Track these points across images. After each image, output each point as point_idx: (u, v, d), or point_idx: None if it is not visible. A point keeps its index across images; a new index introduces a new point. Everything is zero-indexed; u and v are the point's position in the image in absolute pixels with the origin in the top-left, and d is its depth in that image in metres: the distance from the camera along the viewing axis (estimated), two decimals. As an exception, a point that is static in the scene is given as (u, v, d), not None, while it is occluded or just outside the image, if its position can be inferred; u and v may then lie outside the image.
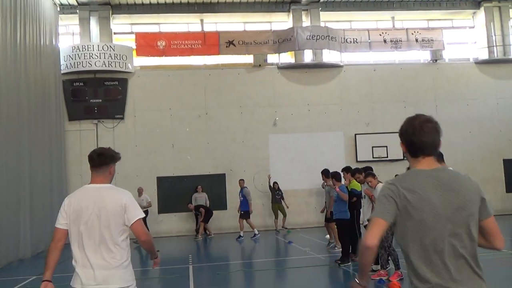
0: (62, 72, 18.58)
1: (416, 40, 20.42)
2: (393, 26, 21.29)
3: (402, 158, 19.86)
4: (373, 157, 19.66)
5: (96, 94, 18.87)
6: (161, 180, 18.95)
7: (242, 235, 16.26)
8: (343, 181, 11.00)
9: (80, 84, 18.88)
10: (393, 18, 21.45)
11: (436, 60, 20.81)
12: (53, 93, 17.04)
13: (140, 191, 16.90)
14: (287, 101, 19.78)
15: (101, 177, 4.04)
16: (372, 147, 19.71)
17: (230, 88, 19.62)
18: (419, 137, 2.81)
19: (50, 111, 16.48)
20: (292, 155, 19.41)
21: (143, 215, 4.07)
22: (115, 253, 3.85)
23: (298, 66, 20.05)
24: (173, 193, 18.73)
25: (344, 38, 19.95)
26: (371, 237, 2.65)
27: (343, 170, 11.21)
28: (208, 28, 20.40)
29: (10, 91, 13.02)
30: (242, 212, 16.57)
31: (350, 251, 9.91)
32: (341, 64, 20.28)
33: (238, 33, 19.80)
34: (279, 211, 18.03)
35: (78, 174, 18.57)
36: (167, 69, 19.67)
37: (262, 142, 19.39)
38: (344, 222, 10.26)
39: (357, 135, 19.76)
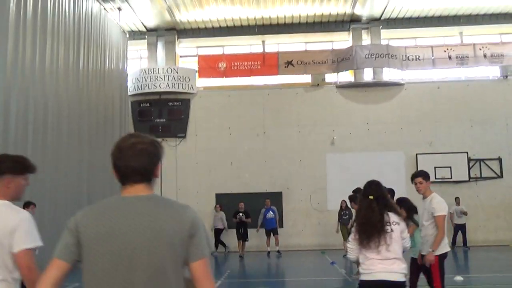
0: (130, 93, 19.93)
1: (485, 56, 19.47)
2: (461, 41, 20.44)
3: (467, 179, 19.00)
4: (435, 178, 18.84)
5: (161, 114, 19.97)
6: (219, 197, 19.51)
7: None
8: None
9: (146, 104, 20.09)
10: (461, 33, 20.62)
11: (506, 76, 19.69)
12: (118, 113, 18.26)
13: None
14: (346, 120, 19.65)
15: None
16: (435, 167, 18.90)
17: (288, 107, 19.88)
18: (124, 161, 2.30)
19: (113, 130, 17.66)
20: (349, 174, 19.08)
21: (34, 245, 3.24)
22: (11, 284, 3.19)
23: (357, 85, 19.89)
24: (231, 209, 19.16)
25: (405, 56, 19.53)
26: (41, 283, 2.20)
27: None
28: (270, 49, 20.86)
29: (71, 111, 14.22)
30: (273, 229, 17.41)
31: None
32: (402, 82, 19.82)
33: (296, 53, 20.08)
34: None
35: (143, 189, 19.69)
36: (227, 90, 20.36)
37: (320, 161, 19.37)
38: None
39: (418, 155, 19.13)
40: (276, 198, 19.26)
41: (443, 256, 6.39)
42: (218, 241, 18.27)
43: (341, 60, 19.54)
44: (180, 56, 21.08)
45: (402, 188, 19.05)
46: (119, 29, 19.03)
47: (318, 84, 20.03)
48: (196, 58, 20.61)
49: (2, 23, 10.93)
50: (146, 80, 19.82)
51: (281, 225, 19.02)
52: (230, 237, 18.40)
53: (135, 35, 20.73)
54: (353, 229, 4.77)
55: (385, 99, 19.74)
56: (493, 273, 12.20)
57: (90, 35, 15.95)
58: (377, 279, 4.43)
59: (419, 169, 18.64)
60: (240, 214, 17.39)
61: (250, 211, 17.98)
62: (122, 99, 19.02)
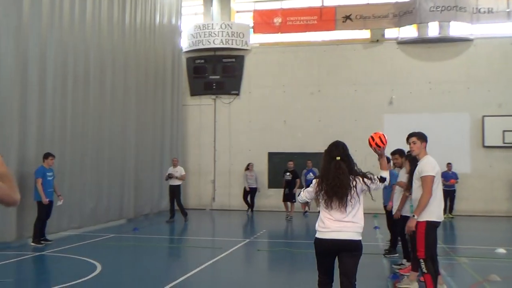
0: (185, 50, 19.91)
1: None
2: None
3: (539, 144, 17.38)
4: (503, 143, 17.50)
5: (215, 70, 19.82)
6: (271, 156, 19.28)
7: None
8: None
9: (201, 61, 20.00)
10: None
11: None
12: (170, 69, 18.33)
13: (175, 163, 15.56)
14: (406, 78, 18.47)
15: None
16: (504, 131, 17.48)
17: (345, 65, 18.99)
18: None
19: (165, 85, 17.78)
20: (408, 136, 18.13)
21: None
22: None
23: (420, 41, 18.52)
24: (283, 169, 18.85)
25: (476, 8, 17.81)
26: None
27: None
28: (328, 2, 19.88)
29: (116, 64, 14.39)
30: None
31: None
32: (471, 37, 18.19)
33: (355, 7, 18.96)
34: None
35: (197, 146, 19.92)
36: (282, 46, 19.75)
37: (376, 122, 18.33)
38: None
39: (485, 117, 17.65)
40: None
41: (431, 224, 5.74)
42: (250, 200, 18.29)
43: (403, 13, 18.20)
44: (236, 12, 20.65)
45: (465, 153, 17.95)
46: (172, -16, 18.88)
47: (377, 40, 18.88)
48: (252, 14, 20.09)
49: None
50: (200, 36, 19.65)
51: (333, 187, 18.49)
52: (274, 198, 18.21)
53: (190, -11, 20.54)
54: (314, 181, 4.75)
55: (451, 56, 18.27)
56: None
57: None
58: (332, 238, 4.45)
59: (483, 133, 17.44)
60: (287, 173, 16.62)
61: (302, 170, 17.52)
62: (175, 55, 19.05)
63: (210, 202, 19.69)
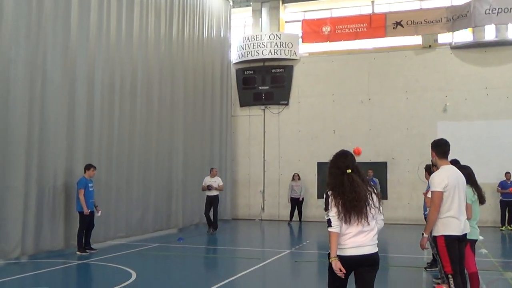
0: (234, 62, 20.17)
1: None
2: None
3: None
4: None
5: (264, 81, 19.92)
6: (321, 166, 19.03)
7: None
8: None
9: (250, 72, 20.17)
10: None
11: None
12: (219, 81, 18.60)
13: (214, 173, 15.06)
14: (461, 84, 17.76)
15: None
16: None
17: (396, 72, 18.53)
18: None
19: (213, 98, 18.05)
20: (464, 145, 17.27)
21: None
22: None
23: (475, 45, 17.76)
24: (333, 179, 18.58)
25: (536, 9, 16.90)
26: None
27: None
28: (379, 9, 19.51)
29: (162, 79, 14.79)
30: None
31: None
32: (530, 39, 17.27)
33: (406, 13, 18.47)
34: None
35: (246, 156, 20.05)
36: (331, 55, 19.55)
37: (429, 130, 17.76)
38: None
39: (546, 123, 16.68)
40: (380, 168, 18.26)
41: (450, 238, 5.41)
42: (296, 210, 18.36)
43: (457, 17, 17.54)
44: (286, 22, 20.70)
45: (526, 162, 16.94)
46: (221, -2, 19.21)
47: (430, 46, 18.28)
48: (300, 23, 20.04)
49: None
50: (249, 48, 19.84)
51: (385, 197, 18.04)
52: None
53: (241, 2, 20.80)
54: (333, 203, 4.31)
55: (509, 60, 17.39)
56: None
57: (185, 4, 16.31)
58: (352, 254, 4.24)
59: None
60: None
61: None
62: (224, 67, 19.30)
63: (259, 213, 19.71)
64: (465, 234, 5.61)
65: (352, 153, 4.61)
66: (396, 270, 9.47)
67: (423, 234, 5.58)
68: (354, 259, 4.22)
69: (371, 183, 4.50)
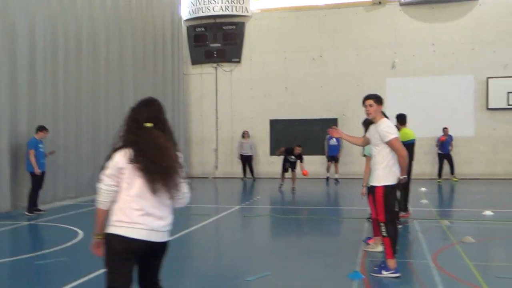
0: (185, 18, 19.75)
1: None
2: None
3: (545, 106, 16.97)
4: (508, 104, 17.14)
5: (216, 38, 19.66)
6: (273, 123, 19.23)
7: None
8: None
9: (202, 29, 19.84)
10: None
11: None
12: (170, 38, 18.23)
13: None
14: (409, 41, 18.09)
15: None
16: (508, 92, 17.10)
17: (347, 28, 18.65)
18: None
19: (165, 55, 17.72)
20: (412, 101, 17.80)
21: None
22: None
23: (424, 2, 18.00)
24: (285, 136, 18.81)
25: (482, -35, 17.20)
26: None
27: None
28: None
29: (110, 36, 14.35)
30: (335, 156, 17.34)
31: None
32: (477, -3, 17.64)
33: (357, -31, 18.48)
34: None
35: (199, 114, 19.96)
36: (282, 11, 19.42)
37: (379, 86, 18.04)
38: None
39: (490, 79, 17.27)
40: (331, 124, 18.47)
41: (388, 187, 5.67)
42: (248, 168, 18.74)
43: (406, -26, 17.70)
44: (237, -23, 20.31)
45: (470, 116, 17.60)
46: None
47: (380, 2, 18.41)
48: (252, -21, 19.72)
49: None
50: (200, 4, 19.45)
51: (337, 152, 18.44)
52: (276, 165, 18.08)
53: (190, -44, 20.21)
54: (118, 155, 3.17)
55: (456, 17, 17.78)
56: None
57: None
58: (141, 238, 3.16)
59: (487, 95, 17.05)
60: (292, 157, 14.79)
61: (304, 137, 17.60)
62: (175, 24, 18.92)
63: (213, 171, 19.83)
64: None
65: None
66: (342, 222, 9.79)
67: (404, 177, 5.76)
68: (147, 244, 3.23)
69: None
